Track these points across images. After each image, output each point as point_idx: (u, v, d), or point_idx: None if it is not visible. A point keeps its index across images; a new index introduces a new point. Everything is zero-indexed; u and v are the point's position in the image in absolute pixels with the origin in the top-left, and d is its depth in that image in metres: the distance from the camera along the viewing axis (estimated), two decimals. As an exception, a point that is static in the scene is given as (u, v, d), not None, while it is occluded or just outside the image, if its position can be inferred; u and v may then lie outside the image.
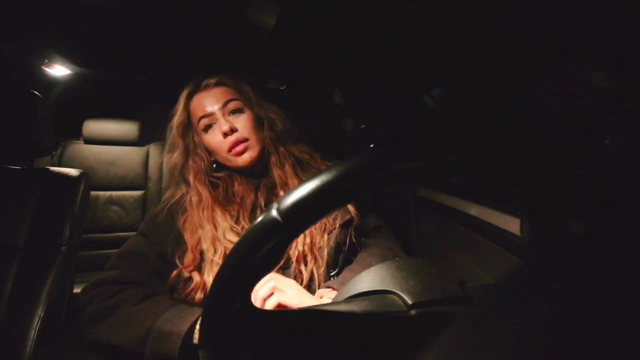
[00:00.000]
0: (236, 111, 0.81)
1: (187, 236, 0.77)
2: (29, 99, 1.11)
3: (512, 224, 0.86)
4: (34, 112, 1.10)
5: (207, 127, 0.81)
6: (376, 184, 0.29)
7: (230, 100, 0.81)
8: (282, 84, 1.97)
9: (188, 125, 0.84)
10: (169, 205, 0.82)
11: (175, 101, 0.89)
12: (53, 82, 1.83)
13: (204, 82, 0.83)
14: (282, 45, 1.38)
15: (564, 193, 0.74)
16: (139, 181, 2.17)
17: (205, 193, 0.80)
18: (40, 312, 0.97)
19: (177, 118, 0.84)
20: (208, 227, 0.77)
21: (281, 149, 0.86)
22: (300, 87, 2.03)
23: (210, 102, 0.80)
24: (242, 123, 0.80)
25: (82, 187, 1.15)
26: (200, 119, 0.81)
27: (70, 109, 2.06)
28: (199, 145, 0.84)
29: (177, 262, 0.75)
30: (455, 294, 0.40)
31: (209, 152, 0.85)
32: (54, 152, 2.03)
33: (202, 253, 0.75)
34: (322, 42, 1.33)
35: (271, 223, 0.28)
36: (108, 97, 2.32)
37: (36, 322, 0.95)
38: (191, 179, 0.83)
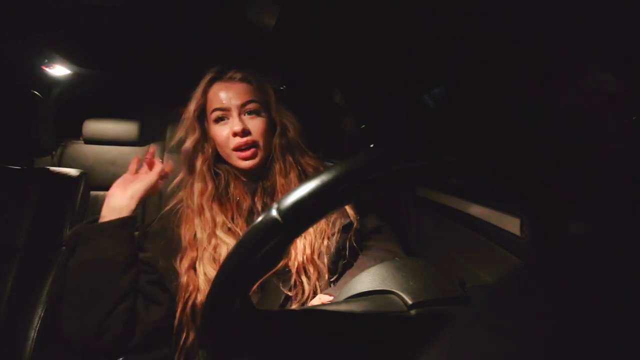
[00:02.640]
0: (253, 112, 0.79)
1: (184, 230, 0.76)
2: (29, 99, 1.11)
3: (512, 224, 0.86)
4: (34, 112, 1.10)
5: (219, 119, 0.79)
6: (376, 184, 0.29)
7: (250, 101, 0.79)
8: (282, 84, 1.97)
9: (204, 110, 0.83)
10: (161, 216, 0.83)
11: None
12: (53, 82, 1.83)
13: (229, 74, 0.81)
14: (282, 45, 1.38)
15: (564, 193, 0.74)
16: (139, 181, 2.16)
17: (210, 182, 0.80)
18: (40, 312, 0.97)
19: (195, 102, 0.82)
20: (208, 215, 0.76)
21: (289, 157, 0.85)
22: (300, 87, 2.03)
23: (229, 96, 0.78)
24: (256, 126, 0.79)
25: (82, 187, 1.15)
26: (214, 110, 0.79)
27: (70, 109, 2.06)
28: (208, 132, 0.83)
29: (177, 265, 0.73)
30: (455, 294, 0.40)
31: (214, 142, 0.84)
32: (54, 152, 2.03)
33: (197, 249, 0.74)
34: (322, 42, 1.33)
35: (271, 223, 0.28)
36: (108, 97, 2.33)
37: (36, 322, 0.95)
38: (199, 165, 0.82)
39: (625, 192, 0.65)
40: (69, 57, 1.65)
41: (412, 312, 0.38)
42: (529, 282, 0.25)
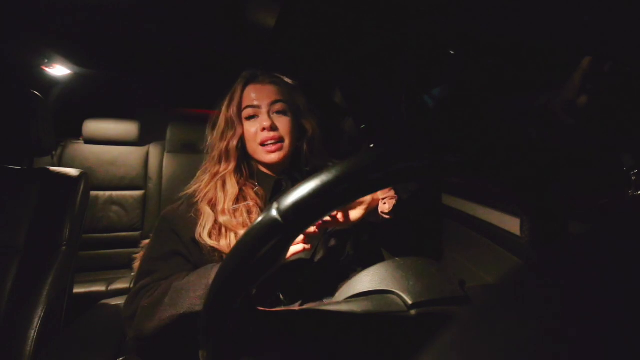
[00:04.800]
0: (280, 112, 0.86)
1: (204, 205, 0.81)
2: (29, 99, 1.11)
3: (512, 224, 0.86)
4: (34, 112, 1.10)
5: (250, 116, 0.86)
6: (376, 184, 0.29)
7: (278, 100, 0.86)
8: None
9: (240, 110, 0.89)
10: (185, 199, 0.86)
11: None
12: (53, 82, 1.83)
13: (260, 77, 0.89)
14: (282, 46, 1.38)
15: (564, 193, 0.74)
16: (138, 181, 2.17)
17: (242, 176, 0.87)
18: (40, 312, 0.97)
19: (235, 103, 0.88)
20: (231, 189, 0.82)
21: (311, 158, 0.92)
22: (301, 87, 2.03)
23: (259, 96, 0.85)
24: (282, 124, 0.85)
25: (82, 187, 1.15)
26: (246, 107, 0.86)
27: (70, 109, 2.06)
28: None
29: (208, 239, 0.76)
30: (455, 294, 0.40)
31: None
32: (54, 152, 2.03)
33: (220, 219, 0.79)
34: (322, 43, 1.33)
35: (271, 223, 0.28)
36: (108, 97, 2.32)
37: (36, 322, 0.95)
38: (235, 157, 0.87)
39: (625, 192, 0.65)
40: (69, 57, 1.64)
41: (412, 312, 0.38)
42: (529, 282, 0.25)
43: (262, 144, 0.83)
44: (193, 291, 0.64)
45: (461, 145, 0.31)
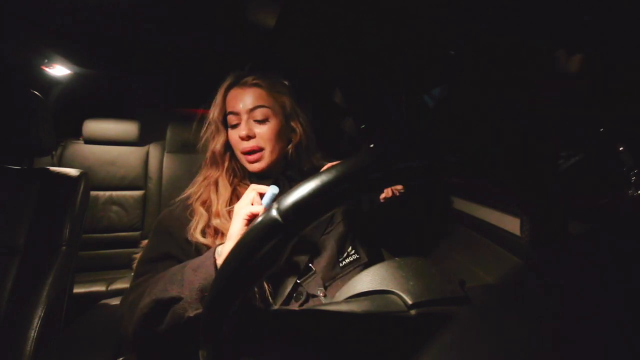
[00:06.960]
0: (260, 119, 0.82)
1: (197, 205, 0.80)
2: (29, 99, 1.11)
3: (512, 224, 0.86)
4: (34, 112, 1.10)
5: (232, 123, 0.84)
6: (376, 184, 0.29)
7: (259, 106, 0.82)
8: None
9: (225, 114, 0.87)
10: (181, 201, 0.85)
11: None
12: (53, 82, 1.83)
13: (243, 79, 0.85)
14: (282, 46, 1.38)
15: (564, 193, 0.74)
16: (139, 181, 2.17)
17: (236, 177, 0.86)
18: (40, 312, 0.97)
19: (217, 108, 0.86)
20: (224, 190, 0.81)
21: (302, 159, 0.90)
22: (301, 87, 2.03)
23: (240, 101, 0.82)
24: (263, 131, 0.82)
25: (82, 187, 1.15)
26: (228, 114, 0.84)
27: (70, 109, 2.06)
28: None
29: (200, 237, 0.75)
30: (455, 294, 0.40)
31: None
32: (54, 152, 2.03)
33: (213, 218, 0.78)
34: (322, 43, 1.33)
35: (271, 223, 0.28)
36: (108, 97, 2.32)
37: (36, 322, 0.95)
38: (226, 161, 0.86)
39: (625, 191, 0.65)
40: (69, 57, 1.65)
41: (412, 312, 0.38)
42: (529, 282, 0.25)
43: (243, 153, 0.82)
44: (166, 280, 0.64)
45: (461, 145, 0.31)
